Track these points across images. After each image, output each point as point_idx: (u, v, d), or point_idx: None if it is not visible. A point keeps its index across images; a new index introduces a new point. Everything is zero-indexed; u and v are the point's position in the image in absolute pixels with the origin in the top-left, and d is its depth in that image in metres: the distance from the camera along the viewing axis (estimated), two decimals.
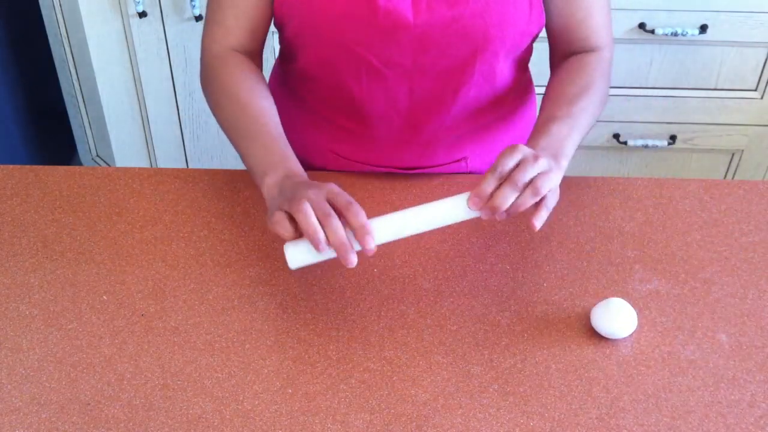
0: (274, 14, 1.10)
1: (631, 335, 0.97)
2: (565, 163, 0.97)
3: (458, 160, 1.21)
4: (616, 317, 0.96)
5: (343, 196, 0.90)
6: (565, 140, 1.00)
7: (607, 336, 0.97)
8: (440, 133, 1.17)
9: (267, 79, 1.17)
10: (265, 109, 1.06)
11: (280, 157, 0.99)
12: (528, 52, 1.18)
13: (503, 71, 1.13)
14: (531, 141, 1.01)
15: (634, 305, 1.01)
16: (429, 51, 1.06)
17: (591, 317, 0.98)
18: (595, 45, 1.14)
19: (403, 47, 1.06)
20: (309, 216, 0.88)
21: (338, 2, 1.03)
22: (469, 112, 1.16)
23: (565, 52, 1.15)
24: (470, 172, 1.23)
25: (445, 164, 1.21)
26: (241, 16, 1.10)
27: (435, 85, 1.11)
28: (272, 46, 1.84)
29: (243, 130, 1.04)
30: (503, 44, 1.08)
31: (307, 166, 1.21)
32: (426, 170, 1.20)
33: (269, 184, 0.96)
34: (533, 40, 1.14)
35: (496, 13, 1.04)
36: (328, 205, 0.89)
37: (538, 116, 1.07)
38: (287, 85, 1.22)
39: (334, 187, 0.91)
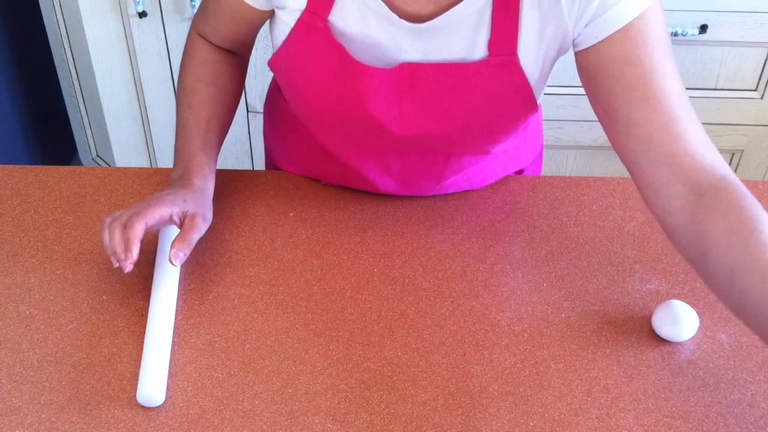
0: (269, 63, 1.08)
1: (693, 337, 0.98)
2: None
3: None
4: (679, 320, 0.96)
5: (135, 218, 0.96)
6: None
7: (668, 339, 0.97)
8: (436, 186, 1.15)
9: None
10: (200, 100, 1.09)
11: (181, 163, 1.08)
12: (531, 119, 1.09)
13: (500, 146, 1.11)
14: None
15: (633, 305, 1.01)
16: (418, 145, 1.05)
17: (653, 321, 0.98)
18: (720, 170, 0.88)
19: (391, 140, 1.04)
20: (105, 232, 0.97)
21: (327, 103, 1.01)
22: (466, 166, 1.14)
23: (686, 188, 0.88)
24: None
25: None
26: (222, 29, 1.08)
27: (425, 158, 1.09)
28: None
29: (179, 120, 1.11)
30: (496, 144, 1.07)
31: (301, 173, 1.21)
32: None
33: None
34: (530, 117, 1.05)
35: (485, 124, 1.01)
36: (113, 225, 0.96)
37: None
38: (282, 100, 1.20)
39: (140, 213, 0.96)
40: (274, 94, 1.21)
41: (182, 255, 0.96)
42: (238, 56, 1.14)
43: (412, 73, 0.96)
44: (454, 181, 1.14)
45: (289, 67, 1.01)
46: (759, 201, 1.05)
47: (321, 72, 0.98)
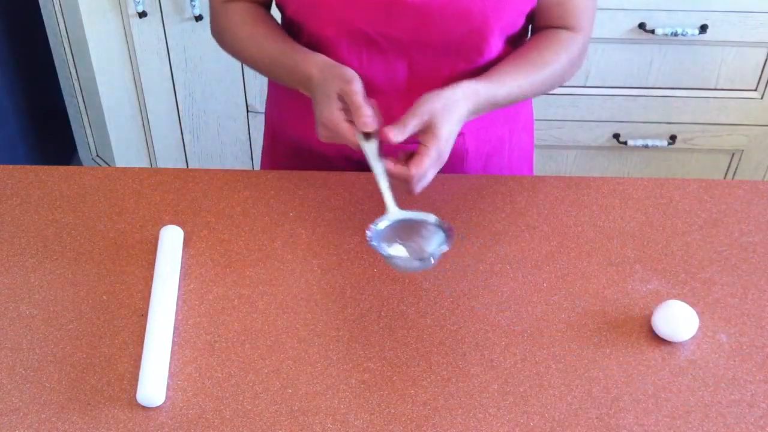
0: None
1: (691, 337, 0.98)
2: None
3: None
4: (679, 320, 0.96)
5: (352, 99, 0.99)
6: (492, 106, 1.07)
7: (668, 339, 0.97)
8: None
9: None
10: (270, 33, 1.14)
11: (297, 73, 1.08)
12: (523, 31, 1.19)
13: (496, 46, 1.14)
14: (468, 92, 1.03)
15: (633, 305, 1.01)
16: (427, 27, 1.08)
17: (652, 321, 0.98)
18: (572, 26, 1.16)
19: (402, 23, 1.07)
20: (332, 139, 1.01)
21: None
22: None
23: (543, 25, 1.17)
24: (466, 150, 1.24)
25: None
26: None
27: (433, 60, 1.12)
28: None
29: (265, 65, 1.14)
30: (499, 21, 1.09)
31: (306, 145, 1.24)
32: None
33: (306, 93, 1.08)
34: (527, 19, 1.16)
35: None
36: (333, 127, 1.00)
37: (498, 65, 1.11)
38: None
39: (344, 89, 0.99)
40: None
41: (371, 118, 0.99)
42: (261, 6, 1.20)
43: None
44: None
45: None
46: (759, 201, 1.06)
47: None
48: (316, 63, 1.06)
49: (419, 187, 0.98)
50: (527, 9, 1.13)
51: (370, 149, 0.99)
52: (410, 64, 1.13)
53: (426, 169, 0.97)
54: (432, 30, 1.08)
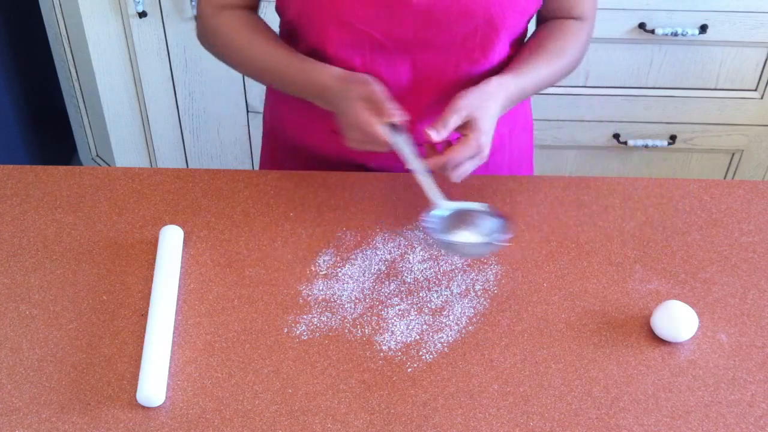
0: (276, 2, 1.12)
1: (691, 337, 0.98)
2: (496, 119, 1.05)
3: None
4: (679, 320, 0.96)
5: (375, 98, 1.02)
6: (521, 97, 1.11)
7: (668, 339, 0.97)
8: (438, 110, 1.17)
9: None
10: (271, 42, 1.13)
11: (308, 83, 1.09)
12: (524, 31, 1.20)
13: (501, 48, 1.14)
14: (499, 86, 1.06)
15: (633, 305, 1.01)
16: (431, 26, 1.08)
17: (652, 321, 0.98)
18: (578, 15, 1.18)
19: (406, 22, 1.07)
20: (364, 144, 1.03)
21: None
22: (466, 88, 1.16)
23: (550, 17, 1.19)
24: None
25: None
26: None
27: (436, 60, 1.12)
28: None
29: (265, 73, 1.14)
30: (503, 22, 1.09)
31: (305, 147, 1.24)
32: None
33: (324, 105, 1.09)
34: (530, 20, 1.17)
35: None
36: (363, 127, 1.01)
37: (518, 57, 1.14)
38: None
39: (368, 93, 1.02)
40: None
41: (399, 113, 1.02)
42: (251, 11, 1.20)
43: None
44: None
45: None
46: (759, 201, 1.06)
47: None
48: (330, 74, 1.07)
49: (456, 174, 1.01)
50: (532, 10, 1.13)
51: (405, 144, 1.02)
52: (414, 64, 1.12)
53: (462, 156, 1.00)
54: (436, 31, 1.08)
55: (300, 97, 1.12)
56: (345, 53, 1.11)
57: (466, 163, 1.01)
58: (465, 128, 1.01)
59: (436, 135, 0.99)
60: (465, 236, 1.01)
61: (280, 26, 1.20)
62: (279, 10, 1.15)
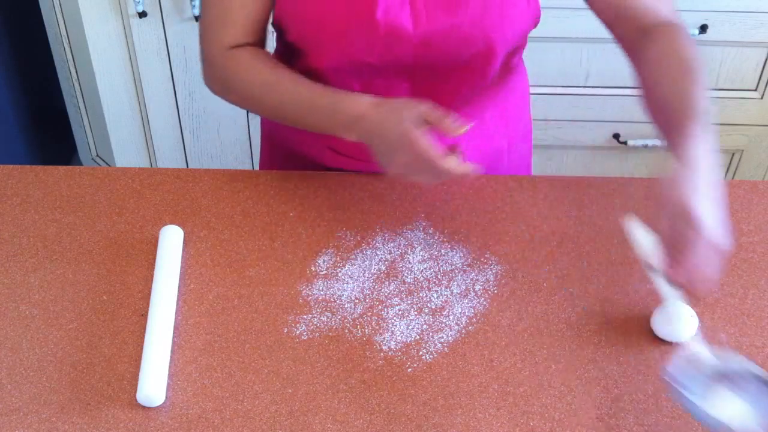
0: (274, 18, 1.10)
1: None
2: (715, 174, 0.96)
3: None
4: (679, 320, 0.96)
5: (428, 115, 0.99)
6: (710, 128, 1.02)
7: (668, 339, 0.97)
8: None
9: None
10: (295, 76, 1.09)
11: (341, 114, 1.04)
12: (523, 44, 1.18)
13: (498, 65, 1.14)
14: (687, 158, 1.01)
15: (633, 305, 1.01)
16: (429, 55, 1.07)
17: (651, 321, 0.98)
18: (665, 16, 1.08)
19: (404, 52, 1.07)
20: (420, 174, 0.99)
21: (339, 17, 1.04)
22: (465, 105, 1.16)
23: (633, 28, 1.09)
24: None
25: None
26: (241, 12, 1.10)
27: (435, 84, 1.11)
28: (270, 44, 1.84)
29: (296, 105, 1.08)
30: (503, 45, 1.09)
31: (305, 161, 1.22)
32: None
33: (356, 136, 1.04)
34: (526, 36, 1.15)
35: (496, 16, 1.05)
36: (421, 161, 0.97)
37: (676, 94, 1.08)
38: None
39: (416, 115, 0.98)
40: None
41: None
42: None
43: None
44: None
45: None
46: (759, 201, 1.06)
47: None
48: (366, 102, 1.03)
49: (702, 289, 0.89)
50: (529, 29, 1.11)
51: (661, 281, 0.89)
52: (413, 85, 1.12)
53: (698, 267, 0.87)
54: (436, 59, 1.08)
55: (325, 131, 1.07)
56: (343, 76, 1.11)
57: (707, 269, 0.87)
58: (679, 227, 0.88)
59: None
60: (730, 407, 0.78)
61: (277, 44, 1.18)
62: (278, 28, 1.12)
